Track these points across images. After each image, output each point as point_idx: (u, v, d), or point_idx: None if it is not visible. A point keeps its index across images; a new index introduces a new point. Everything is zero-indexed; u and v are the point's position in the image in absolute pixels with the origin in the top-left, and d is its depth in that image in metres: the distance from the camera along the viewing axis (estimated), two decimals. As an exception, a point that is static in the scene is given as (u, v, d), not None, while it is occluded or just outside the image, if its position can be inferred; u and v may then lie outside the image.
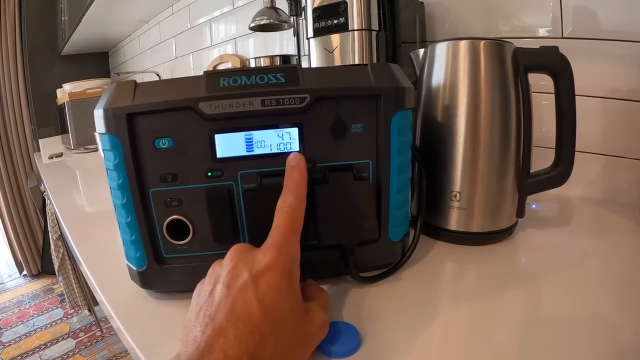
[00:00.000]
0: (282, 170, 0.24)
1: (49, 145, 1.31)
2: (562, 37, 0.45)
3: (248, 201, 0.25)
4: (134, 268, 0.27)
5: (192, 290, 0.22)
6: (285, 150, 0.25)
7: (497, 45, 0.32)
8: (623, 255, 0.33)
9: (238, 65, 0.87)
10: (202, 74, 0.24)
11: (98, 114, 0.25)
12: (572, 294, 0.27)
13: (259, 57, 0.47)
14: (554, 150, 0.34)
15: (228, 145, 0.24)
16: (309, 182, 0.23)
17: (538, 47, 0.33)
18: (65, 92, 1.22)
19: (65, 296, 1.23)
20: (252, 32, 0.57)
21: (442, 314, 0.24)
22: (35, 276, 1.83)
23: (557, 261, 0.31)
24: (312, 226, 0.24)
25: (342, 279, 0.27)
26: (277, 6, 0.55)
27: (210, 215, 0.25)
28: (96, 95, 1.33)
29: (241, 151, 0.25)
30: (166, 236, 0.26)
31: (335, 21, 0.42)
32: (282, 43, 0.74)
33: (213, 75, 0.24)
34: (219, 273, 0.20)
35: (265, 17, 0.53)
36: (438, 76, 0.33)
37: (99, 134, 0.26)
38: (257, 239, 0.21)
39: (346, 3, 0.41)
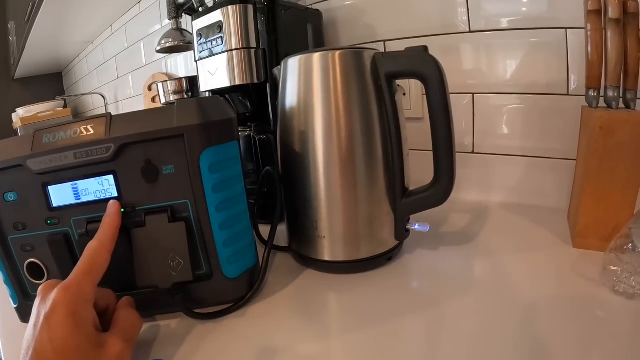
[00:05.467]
0: (106, 215, 0.26)
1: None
2: (471, 31, 0.41)
3: (80, 245, 0.27)
4: (12, 305, 0.31)
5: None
6: (107, 197, 0.27)
7: (354, 54, 0.31)
8: (522, 280, 0.30)
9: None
10: (31, 131, 0.27)
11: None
12: (444, 329, 0.25)
13: (166, 81, 0.49)
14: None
15: (60, 194, 0.27)
16: (128, 226, 0.26)
17: (404, 48, 0.31)
18: (18, 116, 1.31)
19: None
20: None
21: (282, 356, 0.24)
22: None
23: (438, 289, 0.30)
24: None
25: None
26: (183, 27, 0.57)
27: (54, 258, 0.28)
28: (48, 119, 1.43)
29: (71, 200, 0.27)
30: (27, 277, 0.29)
31: (215, 42, 0.43)
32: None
33: (39, 132, 0.27)
34: (33, 311, 0.23)
35: (171, 40, 0.57)
36: (292, 96, 0.33)
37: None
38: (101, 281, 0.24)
39: (222, 23, 0.42)
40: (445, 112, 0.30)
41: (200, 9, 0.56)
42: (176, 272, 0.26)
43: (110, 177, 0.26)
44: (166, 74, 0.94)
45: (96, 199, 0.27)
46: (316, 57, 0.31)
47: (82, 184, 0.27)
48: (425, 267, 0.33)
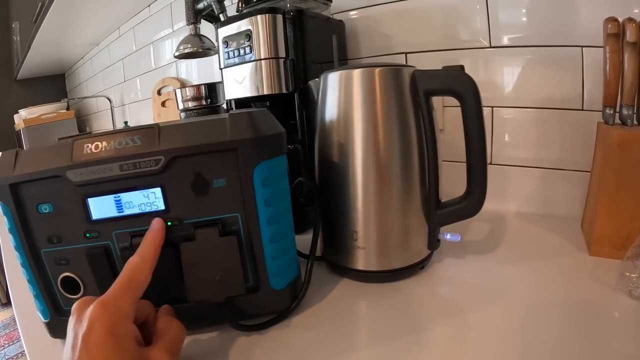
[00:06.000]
0: (151, 228, 0.24)
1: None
2: (491, 47, 0.41)
3: (124, 259, 0.25)
4: (42, 319, 0.28)
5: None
6: (153, 210, 0.25)
7: (394, 71, 0.30)
8: (546, 285, 0.31)
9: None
10: (69, 139, 0.25)
11: (-8, 183, 0.26)
12: (483, 336, 0.25)
13: (185, 87, 0.47)
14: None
15: (100, 207, 0.25)
16: (175, 240, 0.24)
17: (426, 62, 0.31)
18: (21, 117, 1.24)
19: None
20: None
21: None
22: (5, 305, 1.70)
23: (470, 296, 0.30)
24: (181, 283, 0.24)
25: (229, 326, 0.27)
26: (202, 33, 0.55)
27: (93, 273, 0.26)
28: (51, 121, 1.33)
29: (112, 212, 0.25)
30: (61, 291, 0.27)
31: (242, 51, 0.41)
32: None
33: (79, 142, 0.25)
34: (68, 331, 0.20)
35: (190, 45, 0.54)
36: (331, 110, 0.32)
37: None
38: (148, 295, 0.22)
39: (251, 32, 0.40)
40: (480, 129, 0.30)
41: (221, 16, 0.53)
42: (228, 286, 0.24)
43: (158, 190, 0.24)
44: (177, 79, 0.90)
45: (141, 212, 0.25)
46: (356, 73, 0.30)
47: (125, 197, 0.25)
48: (456, 276, 0.33)
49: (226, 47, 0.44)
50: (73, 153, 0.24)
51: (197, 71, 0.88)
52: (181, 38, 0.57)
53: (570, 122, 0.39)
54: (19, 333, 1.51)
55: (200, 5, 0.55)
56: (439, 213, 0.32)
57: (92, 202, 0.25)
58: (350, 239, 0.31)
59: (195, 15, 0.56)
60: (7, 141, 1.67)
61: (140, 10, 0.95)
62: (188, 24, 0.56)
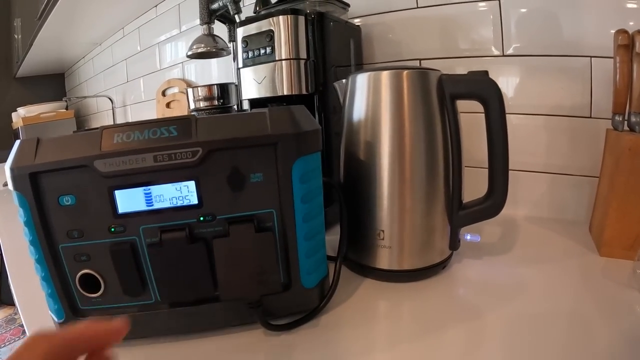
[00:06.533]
0: (183, 224, 0.23)
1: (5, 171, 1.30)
2: (504, 55, 0.42)
3: (152, 256, 0.23)
4: (55, 320, 0.26)
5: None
6: (185, 204, 0.23)
7: (421, 74, 0.30)
8: (561, 284, 0.31)
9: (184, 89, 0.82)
10: (98, 128, 0.23)
11: (7, 172, 0.24)
12: (504, 336, 0.25)
13: (197, 87, 0.45)
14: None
15: (128, 200, 0.23)
16: (206, 236, 0.23)
17: (466, 72, 0.31)
18: (19, 116, 1.20)
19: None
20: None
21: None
22: (-5, 305, 1.62)
23: (492, 295, 0.30)
24: (214, 280, 0.23)
25: (257, 325, 0.25)
26: (215, 33, 0.53)
27: (116, 270, 0.24)
28: (50, 120, 1.28)
29: (141, 206, 0.23)
30: (79, 289, 0.25)
31: (263, 51, 0.40)
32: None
33: (108, 131, 0.23)
34: None
35: (203, 45, 0.52)
36: (359, 110, 0.31)
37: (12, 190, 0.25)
38: (166, 291, 0.21)
39: (273, 32, 0.39)
40: (503, 133, 0.30)
41: (236, 17, 0.52)
42: (264, 284, 0.23)
43: (192, 184, 0.23)
44: (183, 80, 0.88)
45: (172, 206, 0.23)
46: (385, 74, 0.30)
47: (156, 190, 0.23)
48: (475, 276, 0.33)
49: (246, 46, 0.42)
50: (102, 142, 0.23)
51: (195, 74, 0.87)
52: (188, 39, 0.55)
53: (578, 129, 0.40)
54: (10, 335, 1.41)
55: (215, 6, 0.54)
56: (461, 214, 0.31)
57: (119, 194, 0.23)
58: (376, 238, 0.30)
59: (210, 15, 0.54)
60: (4, 139, 1.57)
61: (147, 11, 0.93)
62: (202, 24, 0.55)
